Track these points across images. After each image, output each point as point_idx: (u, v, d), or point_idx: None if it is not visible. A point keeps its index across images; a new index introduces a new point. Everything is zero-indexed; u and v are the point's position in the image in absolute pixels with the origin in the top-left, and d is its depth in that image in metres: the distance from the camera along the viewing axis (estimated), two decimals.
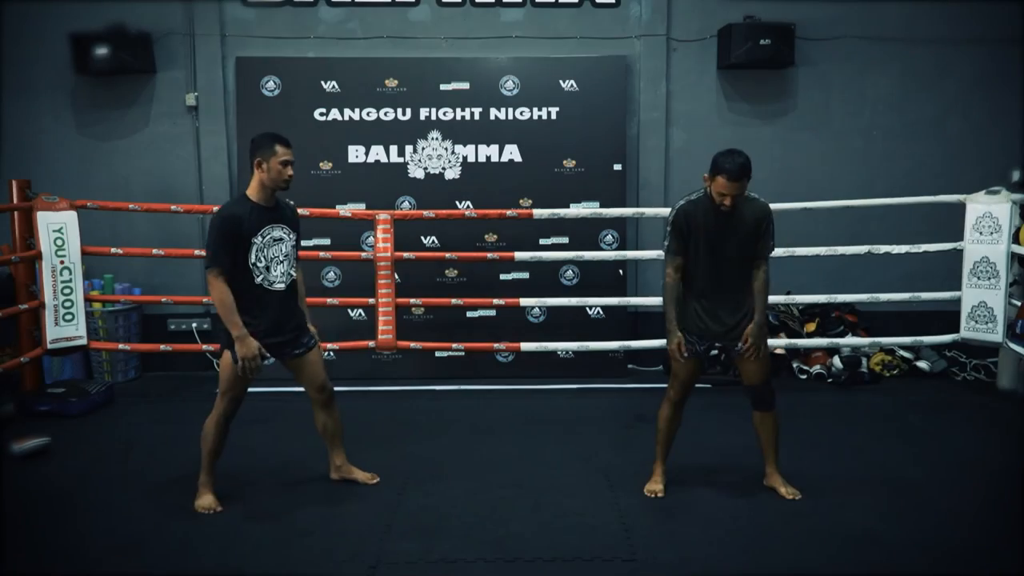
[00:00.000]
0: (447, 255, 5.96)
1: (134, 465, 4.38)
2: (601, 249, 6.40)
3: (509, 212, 5.93)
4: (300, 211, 5.62)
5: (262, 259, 3.65)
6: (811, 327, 6.36)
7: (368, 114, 6.36)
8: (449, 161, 6.40)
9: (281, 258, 3.71)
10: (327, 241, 6.30)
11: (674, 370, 3.84)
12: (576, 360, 6.37)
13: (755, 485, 4.00)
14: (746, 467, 4.18)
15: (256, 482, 4.08)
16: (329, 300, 5.87)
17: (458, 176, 6.40)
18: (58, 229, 5.58)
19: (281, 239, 3.71)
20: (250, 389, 3.83)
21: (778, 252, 5.29)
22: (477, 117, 6.37)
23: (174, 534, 3.51)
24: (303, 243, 5.85)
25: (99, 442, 4.82)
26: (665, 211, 5.85)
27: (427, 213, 5.90)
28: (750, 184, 3.66)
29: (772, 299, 5.40)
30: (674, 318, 3.71)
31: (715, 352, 3.87)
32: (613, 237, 6.46)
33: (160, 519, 3.65)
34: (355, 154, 6.37)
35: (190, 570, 3.23)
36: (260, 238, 3.64)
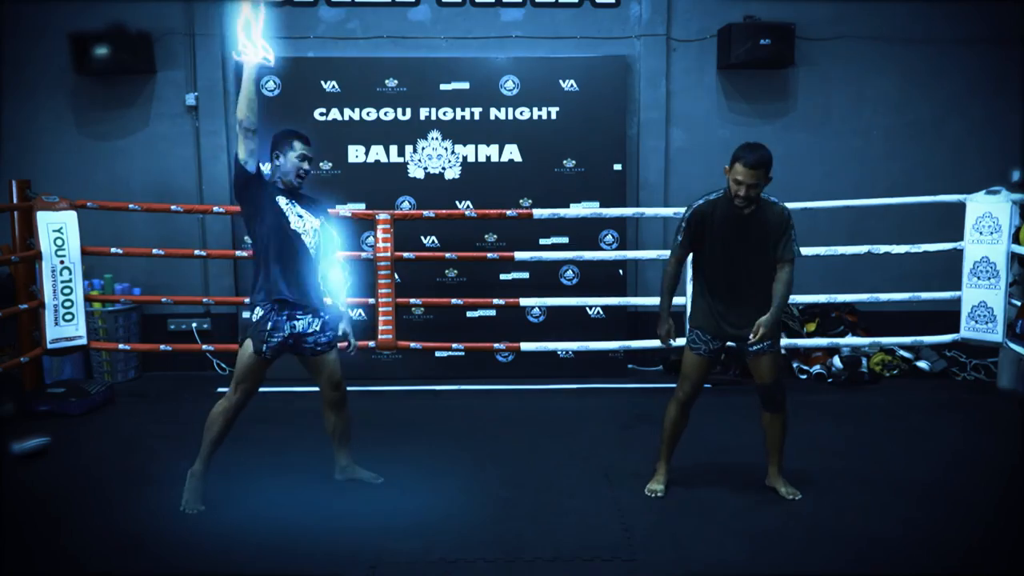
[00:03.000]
0: (447, 255, 5.95)
1: (134, 464, 4.36)
2: (601, 249, 6.38)
3: (509, 212, 5.92)
4: None
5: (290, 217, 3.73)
6: (811, 327, 6.34)
7: (368, 114, 6.34)
8: (449, 161, 6.39)
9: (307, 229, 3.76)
10: None
11: (684, 370, 3.84)
12: (576, 360, 6.35)
13: (755, 485, 3.98)
14: (746, 467, 4.17)
15: (257, 482, 4.06)
16: (329, 300, 5.82)
17: (458, 176, 6.39)
18: (58, 229, 5.57)
19: (302, 216, 3.74)
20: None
21: None
22: (477, 117, 6.35)
23: (174, 534, 3.49)
24: None
25: (99, 442, 4.81)
26: (665, 211, 5.99)
27: (427, 213, 5.88)
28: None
29: None
30: (668, 306, 3.75)
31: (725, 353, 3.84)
32: (613, 237, 6.45)
33: (160, 519, 3.63)
34: (355, 154, 6.36)
35: (190, 570, 3.22)
36: (285, 200, 3.72)
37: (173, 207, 5.80)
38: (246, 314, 3.81)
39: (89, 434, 4.94)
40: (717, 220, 3.63)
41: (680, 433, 3.92)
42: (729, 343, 3.79)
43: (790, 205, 5.33)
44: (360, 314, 6.20)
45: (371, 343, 5.71)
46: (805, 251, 5.45)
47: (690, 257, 3.83)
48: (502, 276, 6.34)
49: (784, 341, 5.90)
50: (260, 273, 3.70)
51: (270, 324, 3.67)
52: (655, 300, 5.40)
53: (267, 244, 3.65)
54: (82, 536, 3.49)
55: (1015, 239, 5.49)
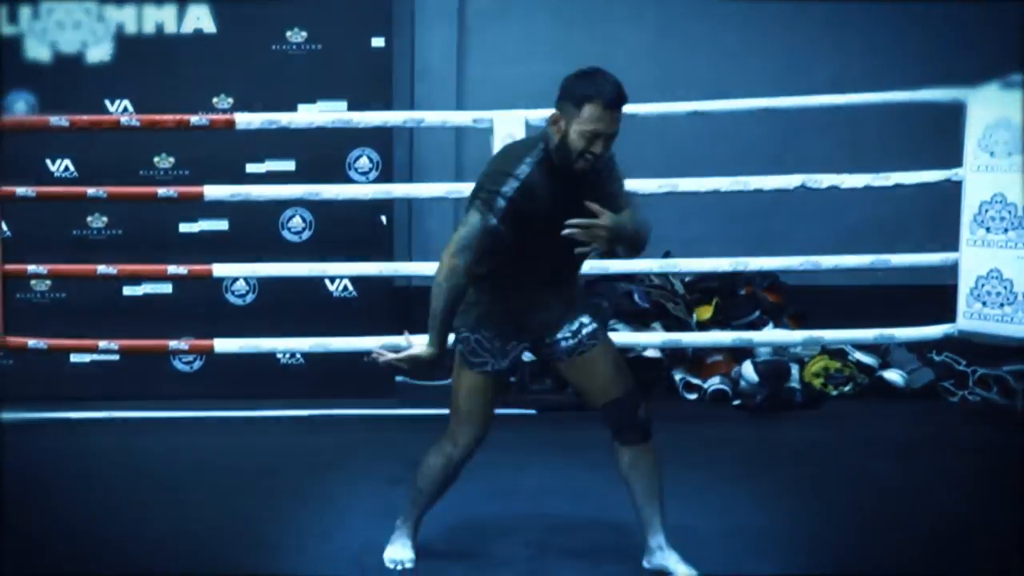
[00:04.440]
0: (90, 191, 4.74)
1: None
2: (350, 181, 5.18)
3: (195, 119, 4.73)
4: None
5: None
6: (705, 312, 5.13)
7: None
8: (94, 32, 5.06)
9: None
10: None
11: (464, 405, 3.07)
12: (309, 370, 5.11)
13: (633, 569, 3.12)
14: (608, 540, 3.32)
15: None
16: None
17: (109, 57, 5.09)
18: None
19: None
20: None
21: (653, 188, 4.50)
22: None
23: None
24: None
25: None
26: (459, 117, 5.03)
27: (56, 120, 4.74)
28: None
29: (644, 264, 4.59)
30: (448, 330, 2.99)
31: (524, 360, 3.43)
32: (370, 161, 5.18)
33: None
34: None
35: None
36: None
37: None
38: None
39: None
40: (543, 194, 2.99)
41: (445, 493, 3.32)
42: (525, 350, 3.16)
43: (671, 107, 4.49)
44: None
45: None
46: (696, 185, 4.63)
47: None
48: (183, 227, 5.13)
49: (660, 336, 4.84)
50: None
51: None
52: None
53: None
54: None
55: None
